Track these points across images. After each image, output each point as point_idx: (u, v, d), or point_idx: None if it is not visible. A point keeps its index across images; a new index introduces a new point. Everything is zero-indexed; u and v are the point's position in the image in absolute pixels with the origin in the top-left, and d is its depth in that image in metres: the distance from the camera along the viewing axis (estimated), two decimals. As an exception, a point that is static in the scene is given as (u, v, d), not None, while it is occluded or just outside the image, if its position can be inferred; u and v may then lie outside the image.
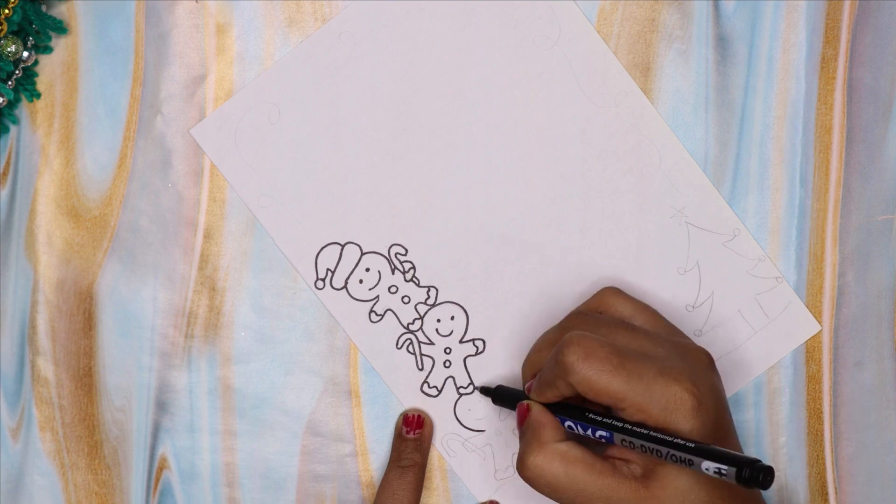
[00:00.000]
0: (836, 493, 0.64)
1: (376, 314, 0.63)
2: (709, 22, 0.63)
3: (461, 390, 0.63)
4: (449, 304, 0.63)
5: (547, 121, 0.62)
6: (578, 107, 0.62)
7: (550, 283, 0.63)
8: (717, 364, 0.62)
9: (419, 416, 0.63)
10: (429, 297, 0.63)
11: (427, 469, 0.63)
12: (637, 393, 0.52)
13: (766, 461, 0.64)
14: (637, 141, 0.62)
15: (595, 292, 0.61)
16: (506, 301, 0.63)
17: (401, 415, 0.63)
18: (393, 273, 0.63)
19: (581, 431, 0.55)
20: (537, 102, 0.62)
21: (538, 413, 0.56)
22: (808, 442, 0.64)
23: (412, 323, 0.63)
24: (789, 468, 0.64)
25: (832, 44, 0.63)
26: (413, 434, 0.62)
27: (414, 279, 0.63)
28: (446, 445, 0.63)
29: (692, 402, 0.52)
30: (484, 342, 0.63)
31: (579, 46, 0.62)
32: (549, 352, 0.58)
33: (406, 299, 0.63)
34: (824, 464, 0.64)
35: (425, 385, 0.63)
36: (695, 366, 0.55)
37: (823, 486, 0.64)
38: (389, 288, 0.63)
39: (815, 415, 0.64)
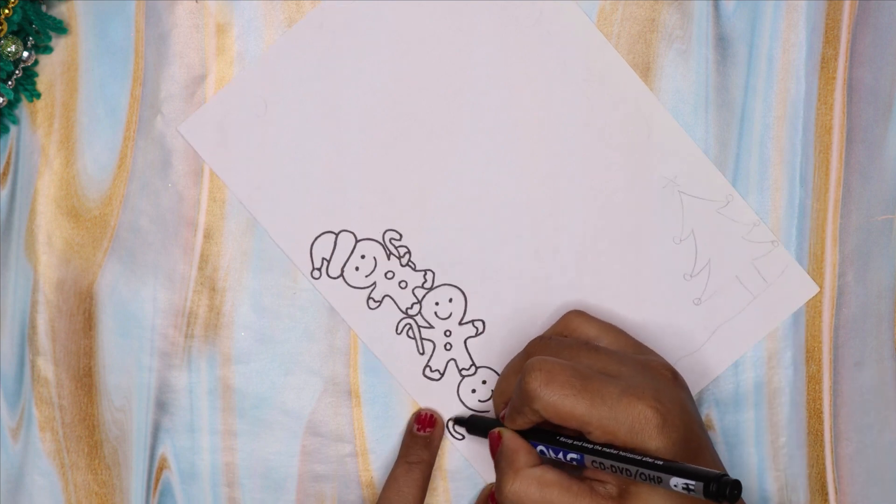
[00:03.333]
0: (836, 493, 0.64)
1: (374, 300, 0.63)
2: (709, 22, 0.63)
3: (463, 372, 0.63)
4: (446, 287, 0.63)
5: (534, 98, 0.62)
6: (564, 82, 0.63)
7: (546, 260, 0.63)
8: (718, 332, 0.62)
9: (431, 415, 0.63)
10: (426, 280, 0.63)
11: (427, 469, 0.63)
12: (602, 415, 0.52)
13: (766, 461, 0.64)
14: (625, 113, 0.63)
15: (560, 317, 0.61)
16: (503, 280, 0.63)
17: (414, 413, 0.63)
18: (388, 259, 0.63)
19: (553, 455, 0.55)
20: (523, 81, 0.62)
21: (510, 439, 0.56)
22: (808, 442, 0.64)
23: (411, 307, 0.63)
24: (789, 468, 0.64)
25: (832, 44, 0.63)
26: (424, 432, 0.63)
27: (410, 263, 0.63)
28: (452, 429, 0.63)
29: (657, 420, 0.52)
30: (484, 322, 0.63)
31: (562, 22, 0.62)
32: (515, 379, 0.58)
33: (403, 284, 0.63)
34: (824, 464, 0.64)
35: (427, 369, 0.63)
36: (659, 382, 0.55)
37: (823, 486, 0.64)
38: (386, 274, 0.63)
39: (815, 415, 0.64)
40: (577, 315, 0.60)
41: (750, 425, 0.64)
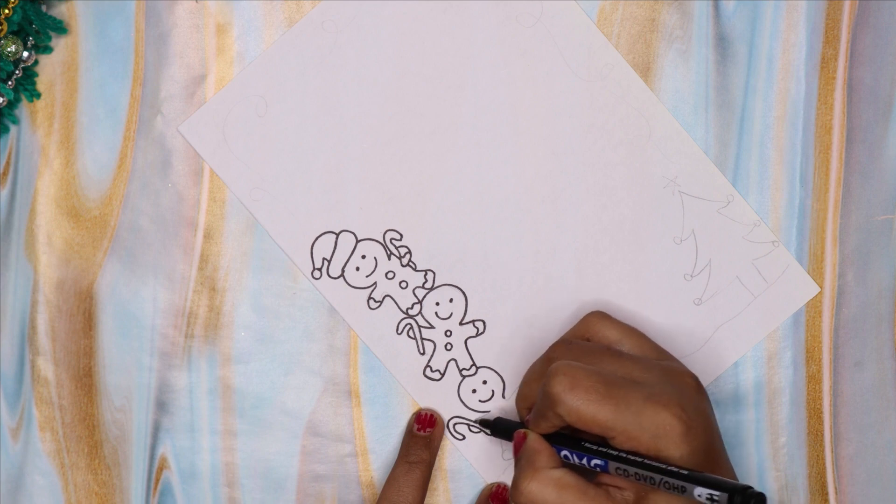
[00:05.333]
0: (836, 493, 0.64)
1: (375, 301, 0.63)
2: (709, 22, 0.63)
3: (464, 372, 0.63)
4: (447, 287, 0.63)
5: (535, 98, 0.63)
6: (565, 82, 0.63)
7: (547, 260, 0.63)
8: (719, 332, 0.62)
9: (431, 415, 0.63)
10: (426, 280, 0.63)
11: (427, 469, 0.63)
12: (626, 421, 0.52)
13: (766, 461, 0.64)
14: (626, 113, 0.63)
15: (580, 319, 0.61)
16: (503, 280, 0.63)
17: (414, 413, 0.63)
18: (389, 259, 0.63)
19: (577, 461, 0.55)
20: (524, 80, 0.62)
21: (534, 441, 0.56)
22: (808, 442, 0.64)
23: (411, 307, 0.63)
24: (789, 468, 0.64)
25: (832, 44, 0.63)
26: (424, 432, 0.63)
27: (411, 264, 0.63)
28: (453, 429, 0.63)
29: (681, 428, 0.52)
30: (484, 323, 0.63)
31: (562, 21, 0.62)
32: (538, 384, 0.58)
33: (404, 284, 0.63)
34: (824, 464, 0.64)
35: (427, 369, 0.63)
36: (683, 390, 0.54)
37: (823, 486, 0.64)
38: (386, 274, 0.63)
39: (815, 415, 0.64)
40: (599, 317, 0.60)
41: (750, 425, 0.64)
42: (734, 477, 0.55)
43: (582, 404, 0.53)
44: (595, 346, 0.57)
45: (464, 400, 0.64)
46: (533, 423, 0.57)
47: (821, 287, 0.64)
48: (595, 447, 0.54)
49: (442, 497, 0.64)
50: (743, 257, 0.63)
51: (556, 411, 0.54)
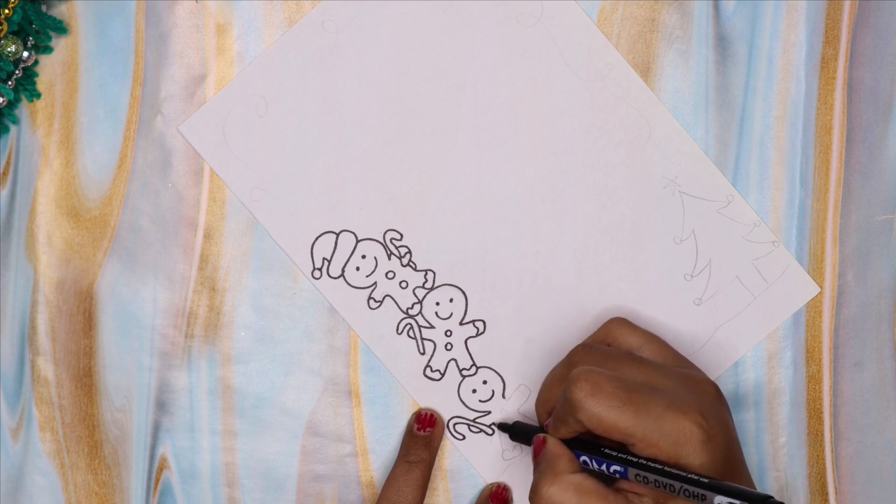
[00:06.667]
0: (836, 493, 0.64)
1: (375, 300, 0.63)
2: (709, 22, 0.63)
3: (464, 372, 0.63)
4: (447, 287, 0.63)
5: (535, 98, 0.63)
6: (565, 82, 0.63)
7: (547, 260, 0.63)
8: (719, 333, 0.62)
9: (431, 415, 0.63)
10: (426, 280, 0.63)
11: (427, 469, 0.63)
12: (646, 428, 0.52)
13: (766, 461, 0.64)
14: (626, 113, 0.63)
15: (601, 324, 0.61)
16: (504, 280, 0.63)
17: (414, 413, 0.63)
18: (389, 258, 0.63)
19: (596, 466, 0.55)
20: (524, 80, 0.63)
21: (553, 445, 0.56)
22: (808, 442, 0.64)
23: (411, 307, 0.63)
24: (789, 468, 0.64)
25: (832, 44, 0.63)
26: (424, 431, 0.63)
27: (411, 263, 0.63)
28: (453, 429, 0.63)
29: (702, 436, 0.52)
30: (484, 323, 0.63)
31: (562, 21, 0.62)
32: (558, 388, 0.57)
33: (404, 284, 0.63)
34: (824, 464, 0.64)
35: (427, 369, 0.63)
36: (703, 398, 0.54)
37: (823, 486, 0.64)
38: (387, 274, 0.63)
39: (815, 415, 0.64)
40: (619, 323, 0.60)
41: (750, 425, 0.64)
42: (753, 485, 0.55)
43: (603, 410, 0.53)
44: (616, 352, 0.57)
45: (464, 400, 0.64)
46: (553, 428, 0.56)
47: (821, 287, 0.64)
48: (615, 453, 0.54)
49: (442, 497, 0.64)
50: (743, 257, 0.63)
51: (577, 417, 0.54)
